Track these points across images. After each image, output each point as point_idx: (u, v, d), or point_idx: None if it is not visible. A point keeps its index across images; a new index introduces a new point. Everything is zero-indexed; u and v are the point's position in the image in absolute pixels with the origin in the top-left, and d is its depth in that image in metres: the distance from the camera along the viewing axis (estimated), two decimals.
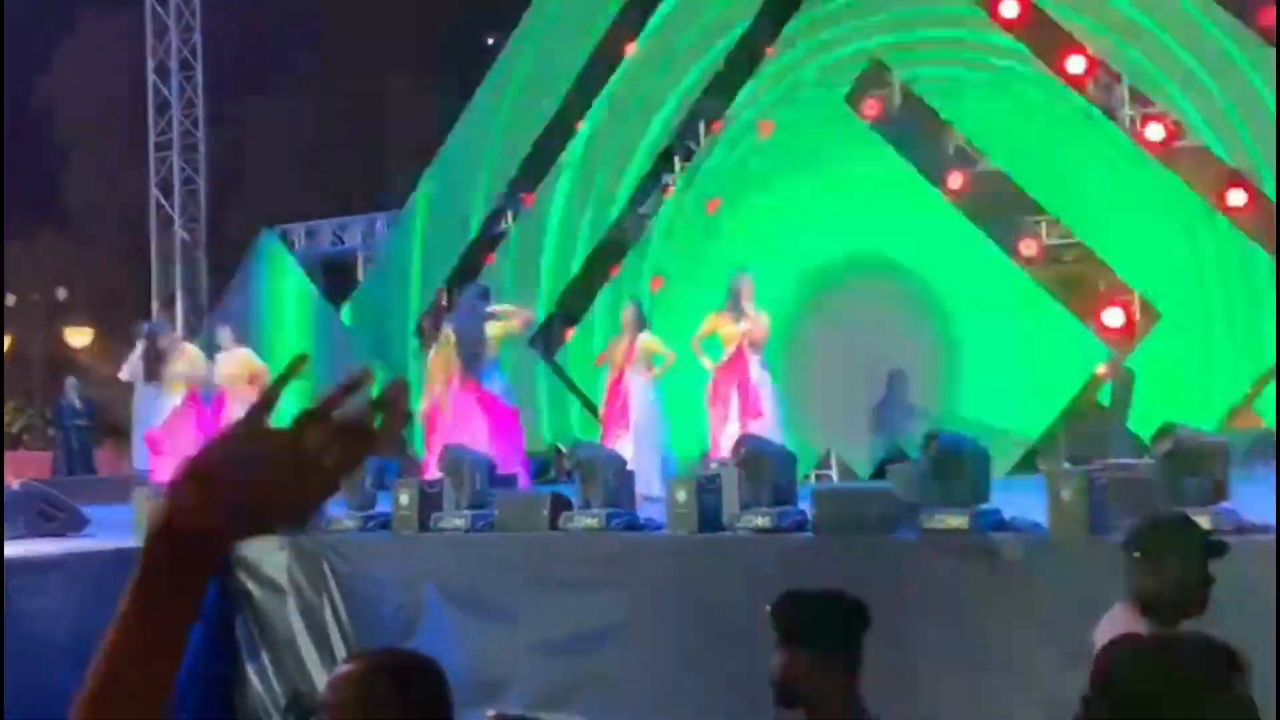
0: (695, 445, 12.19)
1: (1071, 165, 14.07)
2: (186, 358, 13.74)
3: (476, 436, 11.37)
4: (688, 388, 11.93)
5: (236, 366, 13.29)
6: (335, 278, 18.42)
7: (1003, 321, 14.00)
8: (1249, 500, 6.82)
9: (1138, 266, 13.93)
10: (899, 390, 14.04)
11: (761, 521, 7.86)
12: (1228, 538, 6.33)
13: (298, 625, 9.29)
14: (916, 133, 14.96)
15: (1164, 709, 2.05)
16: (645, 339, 11.76)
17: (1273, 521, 6.70)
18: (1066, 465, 9.27)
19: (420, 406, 12.35)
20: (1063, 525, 6.86)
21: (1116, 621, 4.35)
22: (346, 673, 2.72)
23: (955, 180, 14.78)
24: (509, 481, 10.51)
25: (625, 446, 11.06)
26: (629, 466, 9.32)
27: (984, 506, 7.26)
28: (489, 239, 17.17)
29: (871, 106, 15.19)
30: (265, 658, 9.46)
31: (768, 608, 4.01)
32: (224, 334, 13.73)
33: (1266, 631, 5.91)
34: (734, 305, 11.49)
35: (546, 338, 16.39)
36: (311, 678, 8.90)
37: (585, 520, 8.52)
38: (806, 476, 13.10)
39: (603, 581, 8.16)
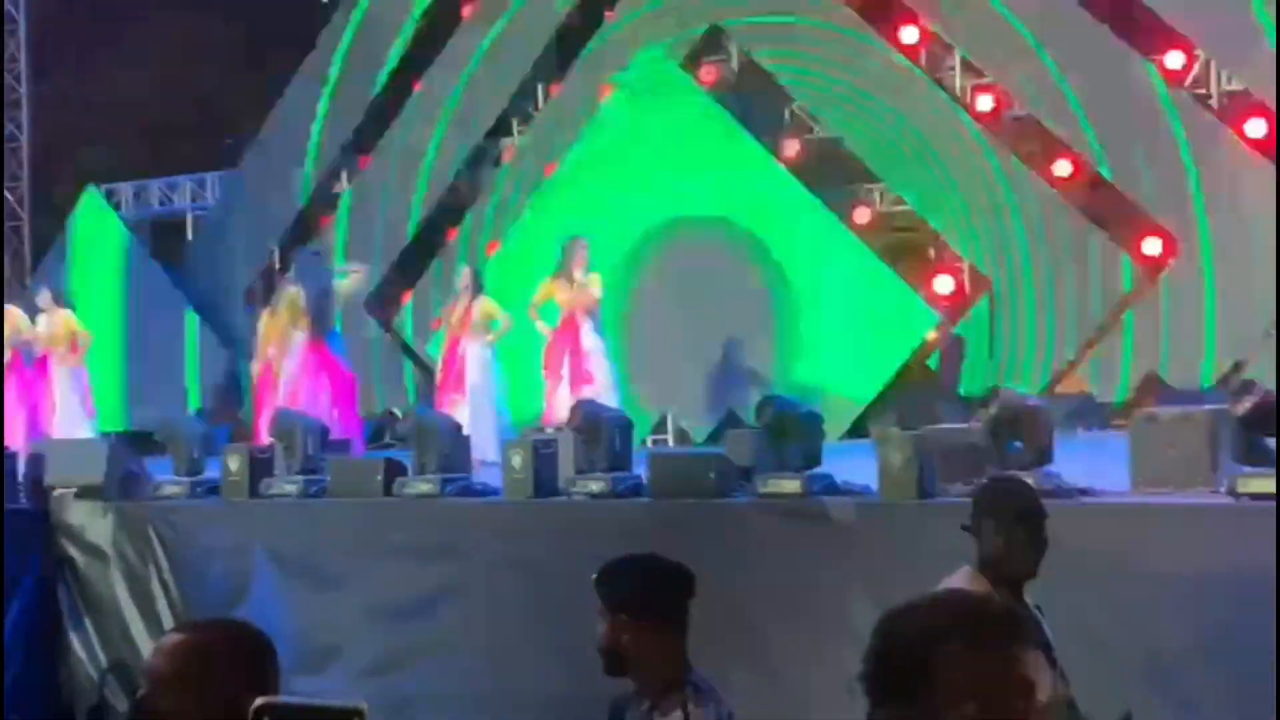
0: (531, 410, 12.16)
1: (904, 134, 14.27)
2: (7, 319, 13.34)
3: (318, 399, 11.25)
4: (525, 353, 11.89)
5: (58, 327, 12.96)
6: (164, 238, 18.00)
7: (837, 287, 14.17)
8: (1070, 463, 6.99)
9: (968, 235, 14.20)
10: (734, 356, 14.14)
11: (597, 486, 7.86)
12: (1049, 501, 6.49)
13: (122, 593, 9.09)
14: (753, 99, 15.05)
15: (921, 666, 2.03)
16: (482, 303, 11.69)
17: (1094, 484, 6.88)
18: (895, 430, 9.41)
19: (254, 369, 12.15)
20: (892, 488, 6.97)
21: (958, 582, 4.44)
22: (172, 642, 2.65)
23: (791, 148, 14.91)
24: (342, 446, 10.40)
25: (461, 411, 11.00)
26: (465, 431, 9.26)
27: (816, 471, 7.35)
28: (324, 201, 16.90)
29: (709, 72, 15.24)
30: (89, 625, 9.25)
31: (592, 577, 4.04)
32: (43, 295, 13.35)
33: (1088, 591, 6.06)
34: (566, 271, 11.49)
35: (382, 301, 16.21)
36: (137, 646, 8.72)
37: (419, 486, 8.45)
38: (643, 442, 13.15)
39: (437, 547, 8.11)
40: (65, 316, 13.10)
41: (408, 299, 16.28)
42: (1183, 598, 5.97)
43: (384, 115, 16.43)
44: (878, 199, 14.84)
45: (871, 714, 2.04)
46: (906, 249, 14.73)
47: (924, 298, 14.29)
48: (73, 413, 12.70)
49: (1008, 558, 4.52)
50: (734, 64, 15.22)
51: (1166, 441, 6.53)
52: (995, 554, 4.52)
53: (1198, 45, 13.36)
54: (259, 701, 2.11)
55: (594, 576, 4.08)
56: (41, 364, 12.86)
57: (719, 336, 14.15)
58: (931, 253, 14.71)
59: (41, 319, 13.11)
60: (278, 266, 16.41)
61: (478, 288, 11.77)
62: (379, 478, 8.58)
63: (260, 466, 9.11)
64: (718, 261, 14.26)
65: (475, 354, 11.54)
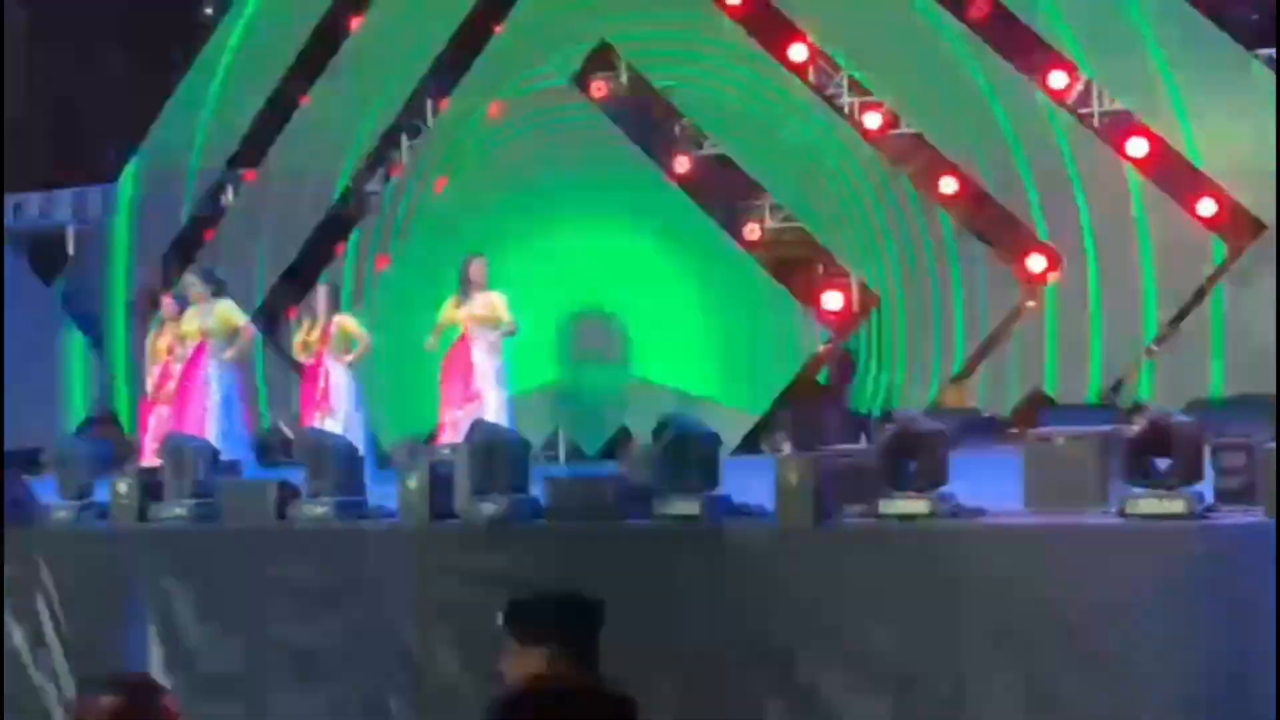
0: (425, 428, 12.12)
1: (792, 150, 14.41)
2: None
3: (204, 417, 11.14)
4: (426, 370, 11.82)
5: None
6: (44, 253, 17.66)
7: (726, 304, 14.28)
8: (962, 483, 7.08)
9: (855, 250, 14.36)
10: (625, 371, 14.19)
11: (494, 509, 7.84)
12: (945, 521, 6.60)
13: (10, 621, 8.89)
14: (643, 115, 15.11)
15: None
16: (341, 320, 11.56)
17: (986, 504, 6.99)
18: (787, 448, 9.51)
19: (148, 385, 11.96)
20: (790, 511, 7.03)
21: None
22: (105, 704, 2.75)
23: (681, 164, 14.99)
24: (231, 468, 10.25)
25: (332, 429, 10.88)
26: None
27: (714, 492, 7.40)
28: (208, 216, 16.68)
29: (599, 88, 15.27)
30: None
31: (499, 612, 3.97)
32: None
33: (989, 611, 6.16)
34: (465, 289, 11.43)
35: (270, 315, 16.02)
36: (31, 679, 8.53)
37: (314, 509, 8.38)
38: (534, 457, 13.12)
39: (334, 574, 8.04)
40: None
41: (294, 315, 16.09)
42: (1072, 620, 6.08)
43: (269, 130, 16.24)
44: (766, 215, 14.97)
45: None
46: (795, 265, 14.88)
47: (813, 313, 14.45)
48: None
49: None
50: (623, 79, 15.27)
51: (1059, 463, 6.65)
52: None
53: (1079, 66, 13.64)
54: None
55: (503, 610, 4.03)
56: None
57: (610, 352, 14.19)
58: (820, 269, 14.87)
59: None
60: (163, 282, 16.15)
61: (335, 305, 11.64)
62: (272, 501, 8.49)
63: (150, 490, 8.96)
64: (609, 278, 14.30)
65: (339, 372, 11.38)
